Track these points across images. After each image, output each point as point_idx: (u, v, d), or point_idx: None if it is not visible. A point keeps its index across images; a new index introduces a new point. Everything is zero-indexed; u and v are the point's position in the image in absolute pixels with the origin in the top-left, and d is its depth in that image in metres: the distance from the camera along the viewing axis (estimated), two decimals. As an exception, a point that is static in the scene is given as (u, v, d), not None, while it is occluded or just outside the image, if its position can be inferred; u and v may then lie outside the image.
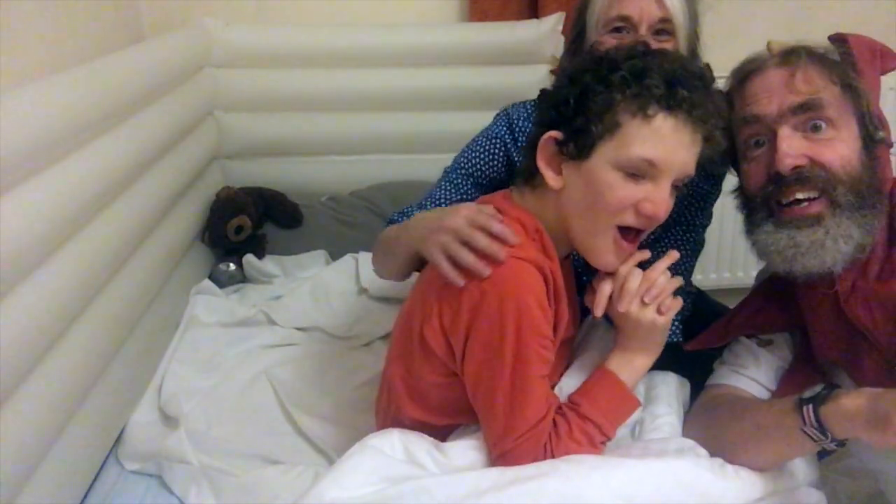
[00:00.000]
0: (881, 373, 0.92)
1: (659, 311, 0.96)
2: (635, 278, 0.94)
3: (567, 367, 1.07)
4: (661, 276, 0.95)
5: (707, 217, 1.24)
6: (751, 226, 0.99)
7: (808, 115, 0.92)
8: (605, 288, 0.97)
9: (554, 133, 0.91)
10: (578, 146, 0.89)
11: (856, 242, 0.91)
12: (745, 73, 0.99)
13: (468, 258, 0.88)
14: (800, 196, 0.92)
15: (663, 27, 1.10)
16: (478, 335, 0.90)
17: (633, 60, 0.89)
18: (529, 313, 0.89)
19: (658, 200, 0.88)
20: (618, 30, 1.11)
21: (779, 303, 1.07)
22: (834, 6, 1.95)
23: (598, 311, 0.97)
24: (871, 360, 0.93)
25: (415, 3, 1.98)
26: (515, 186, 1.00)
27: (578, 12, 1.19)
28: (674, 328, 1.13)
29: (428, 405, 1.01)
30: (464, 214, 0.92)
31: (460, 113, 1.91)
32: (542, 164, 0.93)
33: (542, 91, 1.00)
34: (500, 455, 0.92)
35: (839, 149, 0.92)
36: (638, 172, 0.88)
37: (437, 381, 0.98)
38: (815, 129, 0.92)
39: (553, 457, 0.92)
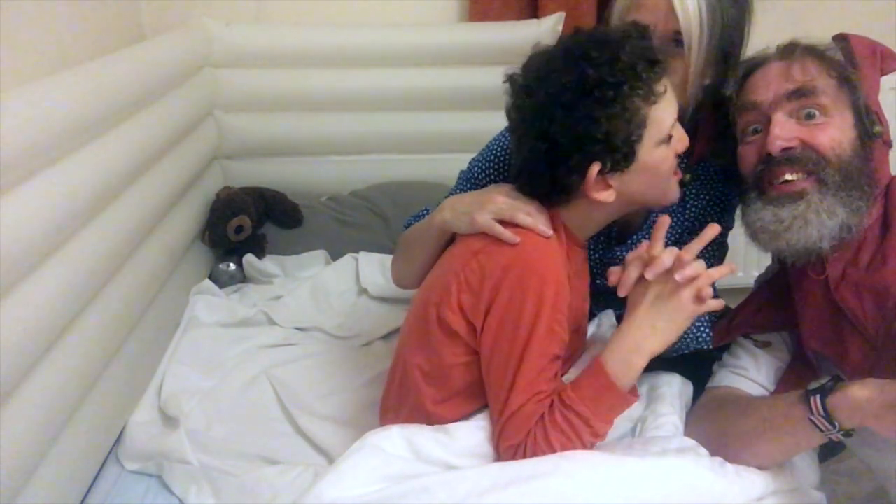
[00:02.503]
0: (866, 361, 0.93)
1: (698, 298, 0.93)
2: (669, 255, 0.93)
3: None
4: (695, 262, 0.93)
5: (731, 220, 1.23)
6: (744, 208, 1.02)
7: (801, 101, 0.96)
8: (633, 272, 0.96)
9: (595, 166, 0.92)
10: (624, 159, 0.93)
11: (841, 220, 0.93)
12: (749, 68, 1.03)
13: (527, 219, 0.95)
14: (789, 177, 0.96)
15: (678, 38, 1.05)
16: (497, 310, 0.93)
17: (616, 65, 0.90)
18: (551, 287, 0.93)
19: (681, 135, 0.99)
20: None
21: (779, 302, 1.07)
22: (834, 7, 1.95)
23: (622, 291, 0.97)
24: (857, 348, 0.94)
25: (415, 3, 1.98)
26: (546, 201, 1.00)
27: (606, 10, 1.16)
28: (704, 335, 1.11)
29: (451, 391, 1.01)
30: (508, 190, 1.00)
31: (460, 113, 1.91)
32: (594, 194, 0.95)
33: (541, 150, 0.94)
34: (499, 435, 0.94)
35: (830, 132, 0.95)
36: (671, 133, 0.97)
37: (460, 361, 0.99)
38: (809, 116, 0.96)
39: (535, 442, 0.91)
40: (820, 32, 1.04)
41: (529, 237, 0.94)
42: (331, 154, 1.96)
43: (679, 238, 1.20)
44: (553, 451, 0.91)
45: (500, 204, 0.97)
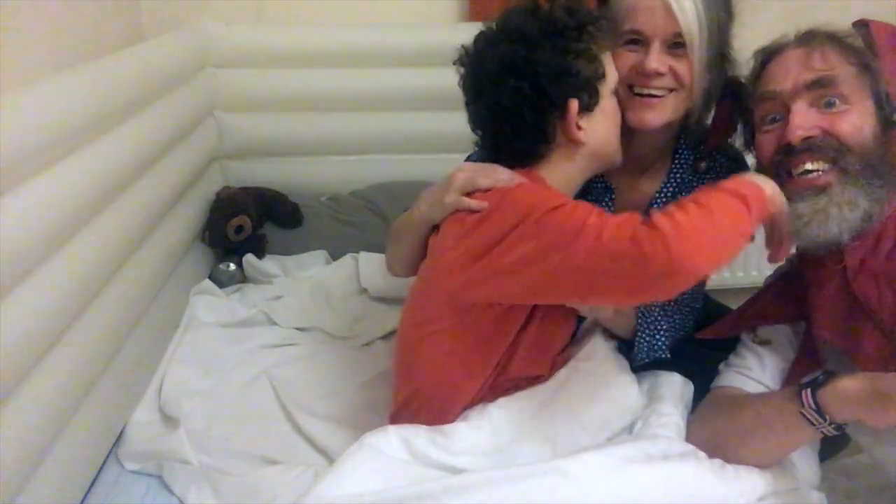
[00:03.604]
0: (880, 353, 0.92)
1: None
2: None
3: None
4: None
5: None
6: None
7: (821, 91, 0.95)
8: None
9: (574, 102, 0.98)
10: (591, 98, 1.00)
11: (862, 211, 0.92)
12: (767, 55, 1.03)
13: (486, 180, 0.98)
14: (809, 166, 0.94)
15: (678, 40, 1.05)
16: (505, 232, 0.92)
17: (574, 13, 0.99)
18: (550, 189, 0.98)
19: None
20: (633, 42, 1.07)
21: (791, 294, 1.07)
22: (835, 6, 1.94)
23: None
24: (871, 340, 0.94)
25: (415, 3, 1.98)
26: (519, 166, 1.02)
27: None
28: (660, 343, 1.13)
29: (486, 345, 1.01)
30: (468, 167, 1.04)
31: (460, 113, 1.89)
32: (573, 132, 0.99)
33: (524, 90, 0.97)
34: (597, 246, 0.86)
35: (851, 118, 0.94)
36: None
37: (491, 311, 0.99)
38: (829, 104, 0.95)
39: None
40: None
41: (497, 189, 0.97)
42: (331, 154, 1.96)
43: None
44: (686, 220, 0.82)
45: (461, 180, 1.01)
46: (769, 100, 0.99)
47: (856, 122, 0.94)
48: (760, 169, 1.01)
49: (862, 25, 1.01)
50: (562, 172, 1.03)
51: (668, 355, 1.14)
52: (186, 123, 1.65)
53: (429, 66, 1.89)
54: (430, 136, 1.94)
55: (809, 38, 0.99)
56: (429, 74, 1.89)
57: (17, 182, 0.95)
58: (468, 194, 0.99)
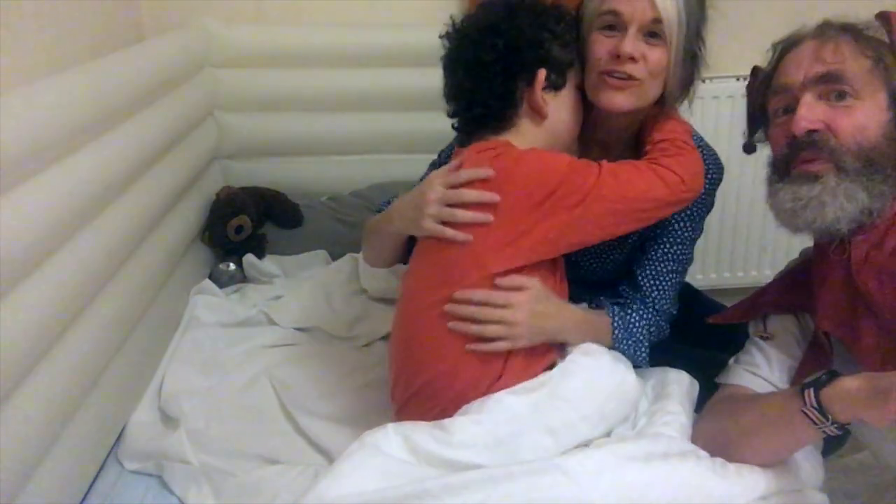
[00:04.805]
0: (878, 347, 0.93)
1: None
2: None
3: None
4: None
5: (697, 230, 1.20)
6: (769, 189, 1.01)
7: (829, 85, 0.95)
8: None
9: (542, 72, 1.04)
10: (558, 78, 1.07)
11: (861, 204, 0.92)
12: (785, 48, 1.03)
13: (466, 215, 1.01)
14: (809, 159, 0.95)
15: (654, 29, 1.05)
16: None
17: (558, 8, 1.09)
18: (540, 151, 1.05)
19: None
20: (610, 27, 1.07)
21: (799, 287, 1.07)
22: (835, 6, 1.94)
23: None
24: (871, 333, 0.94)
25: (415, 3, 1.98)
26: (492, 134, 1.08)
27: (576, 10, 1.14)
28: (642, 354, 1.14)
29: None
30: (439, 183, 1.05)
31: (460, 113, 1.91)
32: (538, 100, 1.05)
33: (499, 47, 1.04)
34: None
35: (856, 116, 0.94)
36: None
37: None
38: (840, 97, 0.95)
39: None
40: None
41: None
42: (331, 154, 1.96)
43: (644, 247, 1.19)
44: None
45: (436, 205, 1.03)
46: (782, 92, 1.00)
47: (860, 120, 0.93)
48: (774, 163, 1.02)
49: (883, 19, 1.00)
50: (528, 143, 1.06)
51: (648, 365, 1.15)
52: (186, 123, 1.65)
53: (429, 67, 1.86)
54: (431, 136, 1.92)
55: (824, 30, 0.99)
56: (429, 74, 1.86)
57: (17, 181, 0.95)
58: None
